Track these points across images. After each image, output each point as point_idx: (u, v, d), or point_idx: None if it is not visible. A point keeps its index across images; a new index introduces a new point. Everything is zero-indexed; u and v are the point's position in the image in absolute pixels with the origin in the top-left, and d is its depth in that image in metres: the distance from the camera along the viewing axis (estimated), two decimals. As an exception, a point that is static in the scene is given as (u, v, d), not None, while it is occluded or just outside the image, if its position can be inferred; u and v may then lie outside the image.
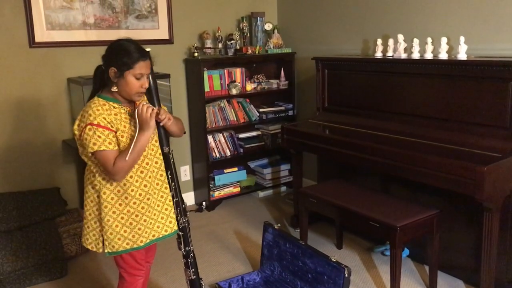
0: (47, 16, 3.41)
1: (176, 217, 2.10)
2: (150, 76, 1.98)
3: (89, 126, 1.85)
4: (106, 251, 1.99)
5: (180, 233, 2.13)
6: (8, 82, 3.34)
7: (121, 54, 1.87)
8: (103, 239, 1.99)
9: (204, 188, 4.12)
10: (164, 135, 2.06)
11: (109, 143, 1.87)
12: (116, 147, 1.90)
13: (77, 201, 3.72)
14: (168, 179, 2.08)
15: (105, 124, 1.87)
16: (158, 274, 3.00)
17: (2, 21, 3.27)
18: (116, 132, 1.90)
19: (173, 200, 2.09)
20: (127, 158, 1.87)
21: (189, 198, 4.24)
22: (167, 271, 3.05)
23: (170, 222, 2.11)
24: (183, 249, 2.15)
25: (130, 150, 1.89)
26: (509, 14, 2.72)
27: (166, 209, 2.09)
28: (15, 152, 3.43)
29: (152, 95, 2.03)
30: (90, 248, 2.04)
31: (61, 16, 3.46)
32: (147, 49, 1.97)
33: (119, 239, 1.97)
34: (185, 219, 2.12)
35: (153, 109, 1.95)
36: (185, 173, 4.25)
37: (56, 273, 3.00)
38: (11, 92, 3.36)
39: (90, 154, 1.90)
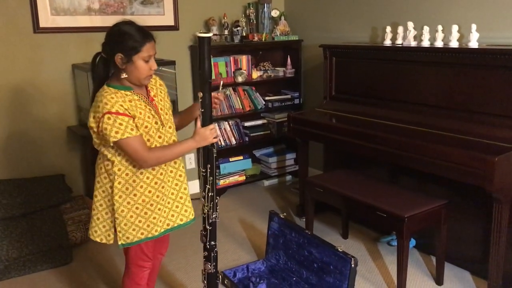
0: (52, 1, 3.37)
1: (208, 211, 2.06)
2: (207, 62, 1.91)
3: (107, 115, 1.79)
4: (120, 243, 1.95)
5: (209, 227, 2.09)
6: (12, 68, 3.32)
7: (126, 39, 1.82)
8: (115, 230, 1.96)
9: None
10: None
11: (131, 129, 1.82)
12: (139, 133, 1.86)
13: (82, 188, 3.71)
14: (206, 172, 2.02)
15: (123, 111, 1.82)
16: (163, 262, 2.98)
17: (6, 7, 3.23)
18: (134, 119, 1.85)
19: (207, 194, 2.04)
20: (167, 154, 1.90)
21: (194, 186, 4.23)
22: (172, 259, 3.04)
23: (186, 211, 2.10)
24: (207, 243, 2.12)
25: (175, 148, 1.92)
26: (522, 1, 2.66)
27: (181, 198, 2.08)
28: (20, 138, 3.42)
29: (205, 83, 1.94)
30: (99, 241, 1.99)
31: (66, 1, 3.42)
32: (209, 35, 1.89)
33: (133, 229, 1.94)
34: (215, 214, 2.08)
35: (216, 137, 1.97)
36: (190, 161, 4.23)
37: (61, 260, 3.00)
38: (15, 78, 3.34)
39: (112, 144, 1.83)
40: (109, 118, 1.79)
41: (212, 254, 2.14)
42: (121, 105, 1.82)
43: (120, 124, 1.80)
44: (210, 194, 2.04)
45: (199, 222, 2.14)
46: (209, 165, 2.02)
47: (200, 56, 1.91)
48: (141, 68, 1.85)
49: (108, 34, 1.88)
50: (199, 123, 1.96)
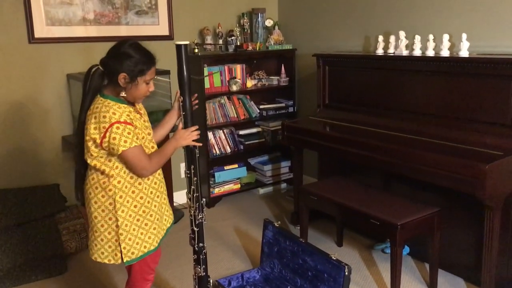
0: (47, 11, 3.39)
1: (194, 212, 2.10)
2: (185, 68, 2.03)
3: (116, 125, 1.81)
4: (125, 260, 1.93)
5: (196, 229, 2.11)
6: (7, 78, 3.33)
7: (134, 62, 1.86)
8: (120, 249, 1.94)
9: (204, 185, 4.11)
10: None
11: (137, 139, 1.87)
12: (140, 142, 1.90)
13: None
14: (190, 173, 2.08)
15: (130, 121, 1.86)
16: (159, 271, 2.99)
17: (2, 17, 3.25)
18: (135, 130, 1.90)
19: (193, 195, 2.08)
20: (161, 157, 1.97)
21: (189, 195, 4.24)
22: (167, 268, 3.05)
23: (171, 213, 2.17)
24: (196, 245, 2.14)
25: (164, 151, 1.99)
26: (511, 11, 2.70)
27: (164, 199, 2.12)
28: (14, 148, 3.42)
29: (184, 87, 2.06)
30: (107, 262, 1.96)
31: (61, 11, 3.45)
32: (185, 42, 2.02)
33: (137, 243, 1.95)
34: (202, 215, 2.11)
35: (197, 136, 2.06)
36: (185, 170, 4.23)
37: (55, 270, 2.99)
38: (10, 88, 3.35)
39: (119, 154, 1.84)
40: (118, 128, 1.81)
41: (201, 256, 2.15)
42: (128, 115, 1.87)
43: (128, 133, 1.83)
44: (195, 195, 2.07)
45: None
46: (192, 166, 2.07)
47: (178, 62, 2.04)
48: (141, 89, 1.92)
49: (113, 53, 1.89)
50: (181, 125, 2.07)
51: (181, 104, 2.05)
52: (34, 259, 2.96)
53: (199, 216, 2.10)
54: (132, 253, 1.95)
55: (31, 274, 2.92)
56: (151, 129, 2.07)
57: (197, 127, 2.07)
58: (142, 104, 2.12)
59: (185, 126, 2.06)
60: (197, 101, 2.16)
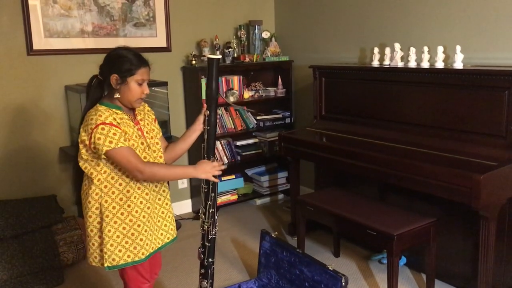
0: (45, 24, 3.42)
1: (208, 227, 2.10)
2: (214, 83, 2.01)
3: (101, 126, 1.83)
4: (106, 265, 1.95)
5: (208, 244, 2.12)
6: (5, 90, 3.34)
7: (123, 61, 1.90)
8: (102, 254, 1.95)
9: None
10: (212, 145, 2.08)
11: (125, 140, 1.87)
12: (129, 145, 1.90)
13: (74, 208, 3.71)
14: (208, 188, 2.07)
15: (117, 124, 1.88)
16: (156, 282, 2.98)
17: (0, 29, 3.28)
18: (124, 134, 1.91)
19: (208, 210, 2.08)
20: (164, 171, 1.96)
21: (186, 206, 4.23)
22: (163, 279, 3.04)
23: (172, 229, 2.14)
24: (205, 260, 2.15)
25: (173, 169, 2.00)
26: (504, 23, 2.74)
27: (169, 216, 2.12)
28: (12, 159, 3.43)
29: (211, 102, 2.05)
30: (101, 265, 1.99)
31: (59, 24, 3.47)
32: (218, 56, 2.03)
33: (119, 250, 1.95)
34: (215, 230, 2.12)
35: (217, 176, 2.04)
36: (182, 180, 4.24)
37: (52, 282, 2.98)
38: (8, 99, 3.36)
39: (103, 155, 1.86)
40: (103, 129, 1.84)
41: (210, 271, 2.17)
42: (114, 119, 1.89)
43: (114, 134, 1.85)
44: (211, 211, 2.08)
45: (191, 241, 2.15)
46: (211, 182, 2.07)
47: (208, 76, 2.02)
48: (133, 90, 1.93)
49: (107, 56, 1.97)
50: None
51: (206, 118, 2.05)
52: (30, 270, 2.95)
53: (213, 232, 2.11)
54: (113, 259, 1.95)
55: (27, 285, 2.90)
56: (148, 140, 2.03)
57: (222, 162, 2.07)
58: (149, 118, 2.12)
59: (208, 141, 2.05)
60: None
